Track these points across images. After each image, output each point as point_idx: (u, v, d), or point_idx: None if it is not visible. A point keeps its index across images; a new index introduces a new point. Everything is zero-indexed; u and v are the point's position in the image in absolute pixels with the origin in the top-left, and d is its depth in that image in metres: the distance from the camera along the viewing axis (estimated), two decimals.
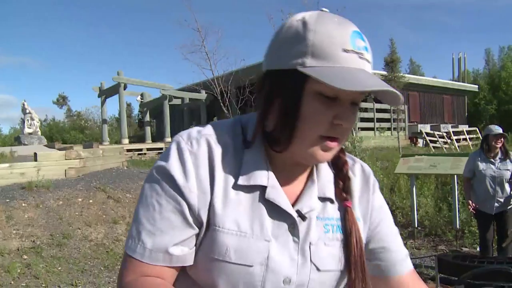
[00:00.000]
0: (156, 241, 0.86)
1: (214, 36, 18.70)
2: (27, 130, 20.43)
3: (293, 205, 0.91)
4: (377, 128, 16.64)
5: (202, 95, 19.42)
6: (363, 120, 16.40)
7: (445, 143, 17.78)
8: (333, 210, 0.96)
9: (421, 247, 6.54)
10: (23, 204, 7.64)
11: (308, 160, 0.89)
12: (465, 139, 19.34)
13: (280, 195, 0.90)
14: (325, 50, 0.82)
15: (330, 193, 0.96)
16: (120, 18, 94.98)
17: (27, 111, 20.66)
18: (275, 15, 17.32)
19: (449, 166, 6.41)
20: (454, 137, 18.63)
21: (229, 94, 12.19)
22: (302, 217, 0.91)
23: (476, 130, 20.87)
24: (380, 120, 17.28)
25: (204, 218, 0.87)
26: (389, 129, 17.42)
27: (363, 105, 15.55)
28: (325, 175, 0.98)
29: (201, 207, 0.87)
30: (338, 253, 0.93)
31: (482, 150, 5.04)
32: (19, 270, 5.86)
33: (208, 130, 0.93)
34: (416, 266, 5.70)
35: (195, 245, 0.89)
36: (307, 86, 0.83)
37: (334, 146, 0.86)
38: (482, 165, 4.95)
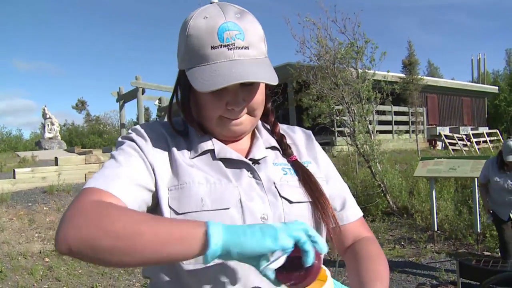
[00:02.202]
0: (118, 171, 0.92)
1: None
2: (47, 134, 20.71)
3: (246, 158, 1.04)
4: (395, 131, 16.48)
5: None
6: (381, 123, 16.26)
7: (465, 145, 17.53)
8: (284, 159, 1.10)
9: (441, 251, 6.46)
10: (45, 208, 7.77)
11: (225, 135, 1.03)
12: (485, 142, 19.04)
13: (228, 151, 1.02)
14: (197, 51, 0.94)
15: (275, 143, 1.11)
16: (138, 23, 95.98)
17: (47, 116, 20.96)
18: (292, 18, 17.37)
19: (469, 169, 6.33)
20: (474, 140, 18.36)
21: None
22: (256, 161, 1.04)
23: (496, 132, 20.54)
24: (398, 123, 17.12)
25: (163, 177, 0.96)
26: (407, 132, 17.24)
27: (381, 108, 15.39)
28: (266, 133, 1.13)
29: (158, 165, 0.97)
30: (301, 189, 1.05)
31: (498, 162, 4.96)
32: (41, 273, 5.96)
33: (156, 124, 1.07)
34: (436, 270, 5.66)
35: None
36: None
37: (240, 122, 1.01)
38: (497, 176, 4.91)
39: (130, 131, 1.03)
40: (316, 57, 9.88)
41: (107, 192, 0.87)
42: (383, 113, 16.25)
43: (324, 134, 13.52)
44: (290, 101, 16.27)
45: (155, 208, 0.96)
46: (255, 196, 0.99)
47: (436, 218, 6.90)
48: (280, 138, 1.12)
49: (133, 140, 0.99)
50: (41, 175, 9.25)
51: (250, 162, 1.03)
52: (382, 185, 8.78)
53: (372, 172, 8.96)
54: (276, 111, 18.62)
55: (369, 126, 9.61)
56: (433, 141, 18.33)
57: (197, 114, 1.03)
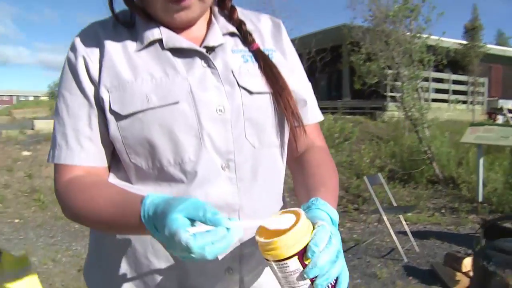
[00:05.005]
0: (69, 140, 0.91)
1: None
2: None
3: (200, 46, 0.94)
4: (451, 100, 15.73)
5: None
6: (437, 91, 15.58)
7: None
8: (245, 47, 0.99)
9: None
10: None
11: (171, 22, 0.91)
12: None
13: (178, 40, 0.91)
14: None
15: (233, 29, 0.99)
16: None
17: None
18: None
19: None
20: None
21: None
22: (210, 49, 0.93)
23: None
24: (456, 92, 16.28)
25: (104, 81, 0.89)
26: (465, 102, 16.41)
27: (438, 75, 14.73)
28: (223, 19, 1.00)
29: (101, 72, 0.90)
30: (262, 77, 0.95)
31: None
32: None
33: (92, 24, 0.97)
34: (474, 240, 5.39)
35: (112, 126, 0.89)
36: None
37: (187, 5, 0.87)
38: None
39: (69, 49, 0.95)
40: (370, 17, 9.46)
41: (72, 166, 0.91)
42: (440, 81, 15.54)
43: (374, 98, 13.13)
44: (344, 63, 15.87)
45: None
46: (210, 87, 0.90)
47: (483, 189, 6.58)
48: (239, 25, 1.00)
49: (72, 64, 0.92)
50: None
51: (204, 50, 0.92)
52: (428, 151, 8.43)
53: (419, 137, 8.62)
54: (330, 73, 18.29)
55: (419, 89, 9.18)
56: (493, 114, 17.36)
57: None
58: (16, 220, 6.11)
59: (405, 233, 5.02)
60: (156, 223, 0.70)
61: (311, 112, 1.07)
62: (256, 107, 0.93)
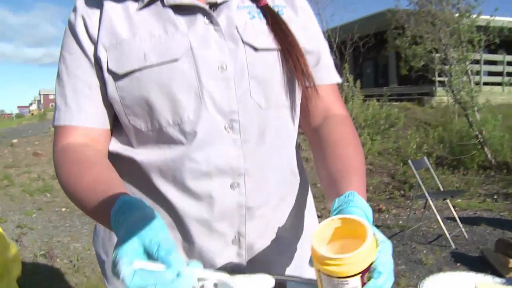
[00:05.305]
0: (68, 101, 0.87)
1: None
2: None
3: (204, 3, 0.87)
4: (506, 83, 14.92)
5: None
6: (490, 74, 14.83)
7: None
8: (252, 2, 0.92)
9: None
10: None
11: None
12: None
13: None
14: None
15: None
16: None
17: None
18: None
19: None
20: None
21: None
22: (214, 5, 0.87)
23: None
24: (511, 74, 15.46)
25: (102, 39, 0.85)
26: None
27: (490, 57, 13.99)
28: None
29: (99, 30, 0.86)
30: (270, 33, 0.89)
31: None
32: None
33: None
34: None
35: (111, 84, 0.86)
36: None
37: None
38: None
39: (71, 12, 0.92)
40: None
41: (71, 127, 0.87)
42: (493, 63, 14.79)
43: (422, 83, 12.67)
44: (389, 49, 15.44)
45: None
46: (212, 44, 0.85)
47: None
48: None
49: (71, 24, 0.89)
50: None
51: (207, 6, 0.86)
52: (480, 136, 8.05)
53: (469, 121, 8.23)
54: (375, 60, 17.87)
55: (469, 72, 8.75)
56: None
57: None
58: (63, 209, 6.35)
59: (453, 219, 4.80)
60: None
61: (325, 71, 0.98)
62: (262, 65, 0.87)
